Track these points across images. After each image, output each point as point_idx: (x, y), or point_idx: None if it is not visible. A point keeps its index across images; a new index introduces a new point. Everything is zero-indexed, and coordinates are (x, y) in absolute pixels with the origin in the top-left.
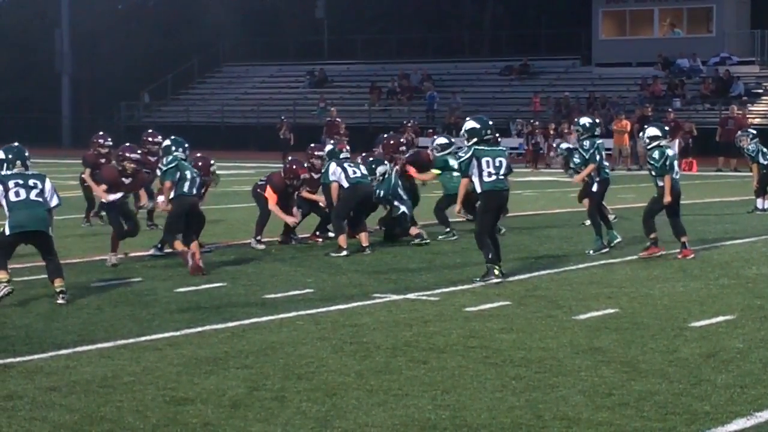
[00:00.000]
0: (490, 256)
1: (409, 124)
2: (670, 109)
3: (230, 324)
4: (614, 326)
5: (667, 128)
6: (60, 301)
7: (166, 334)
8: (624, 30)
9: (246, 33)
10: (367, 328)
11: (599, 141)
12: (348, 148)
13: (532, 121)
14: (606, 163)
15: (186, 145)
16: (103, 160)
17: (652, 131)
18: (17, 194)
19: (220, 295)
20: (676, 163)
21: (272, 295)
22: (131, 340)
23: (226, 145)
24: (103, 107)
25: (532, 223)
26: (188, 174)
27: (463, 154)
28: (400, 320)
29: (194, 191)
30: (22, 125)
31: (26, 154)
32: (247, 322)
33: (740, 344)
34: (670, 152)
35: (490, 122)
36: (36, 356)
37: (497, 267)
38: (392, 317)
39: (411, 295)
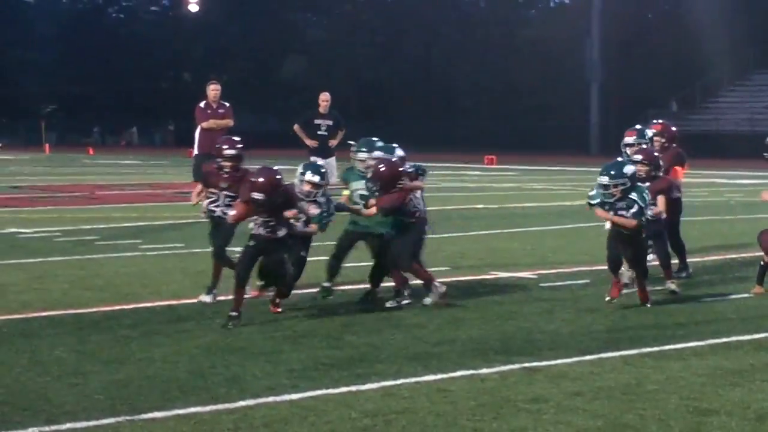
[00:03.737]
0: None
1: None
2: None
3: (756, 336)
4: None
5: None
6: None
7: (691, 344)
8: None
9: None
10: None
11: None
12: None
13: None
14: None
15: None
16: None
17: None
18: None
19: (747, 306)
20: None
21: None
22: (655, 348)
23: (753, 154)
24: (630, 115)
25: None
26: None
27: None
28: None
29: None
30: (548, 132)
31: None
32: None
33: None
34: None
35: None
36: (561, 361)
37: None
38: None
39: None
